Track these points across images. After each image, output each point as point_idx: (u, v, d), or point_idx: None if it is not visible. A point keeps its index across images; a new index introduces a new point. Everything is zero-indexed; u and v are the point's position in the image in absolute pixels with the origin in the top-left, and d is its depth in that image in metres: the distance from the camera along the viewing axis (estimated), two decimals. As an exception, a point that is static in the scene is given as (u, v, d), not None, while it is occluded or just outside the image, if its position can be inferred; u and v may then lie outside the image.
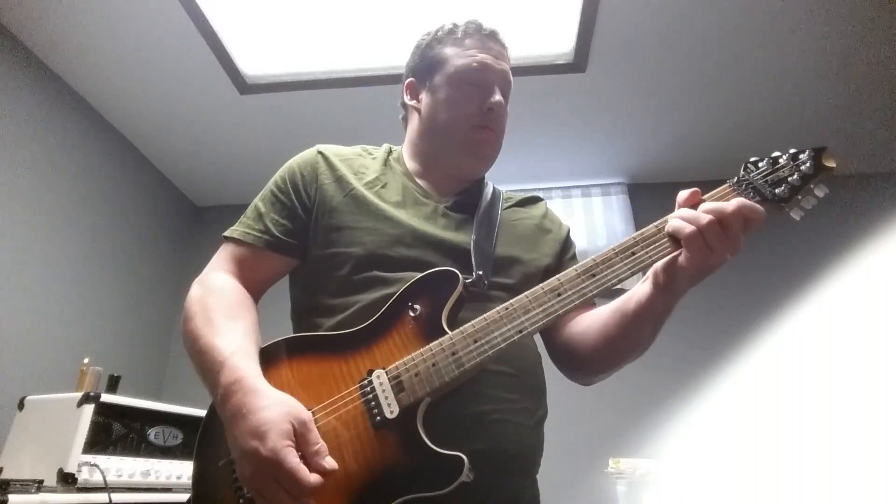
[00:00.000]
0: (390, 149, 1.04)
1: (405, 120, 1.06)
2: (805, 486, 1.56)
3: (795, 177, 0.73)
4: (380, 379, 0.71)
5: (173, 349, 2.86)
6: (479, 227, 0.90)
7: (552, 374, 0.92)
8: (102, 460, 1.44)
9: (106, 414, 1.52)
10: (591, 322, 0.87)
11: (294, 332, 0.89)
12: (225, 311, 0.79)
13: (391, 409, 0.69)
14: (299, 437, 0.63)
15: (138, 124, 2.58)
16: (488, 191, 1.00)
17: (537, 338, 0.91)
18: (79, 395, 1.50)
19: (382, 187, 0.93)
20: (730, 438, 2.06)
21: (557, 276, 0.74)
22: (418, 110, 1.00)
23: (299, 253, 0.90)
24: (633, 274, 0.72)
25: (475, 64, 0.94)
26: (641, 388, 2.35)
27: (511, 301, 0.73)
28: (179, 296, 2.88)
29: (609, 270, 0.72)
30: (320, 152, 0.96)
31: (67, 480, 1.38)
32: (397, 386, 0.70)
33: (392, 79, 2.15)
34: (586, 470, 2.20)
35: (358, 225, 0.86)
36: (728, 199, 0.71)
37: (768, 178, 0.75)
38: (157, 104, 2.44)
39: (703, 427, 2.24)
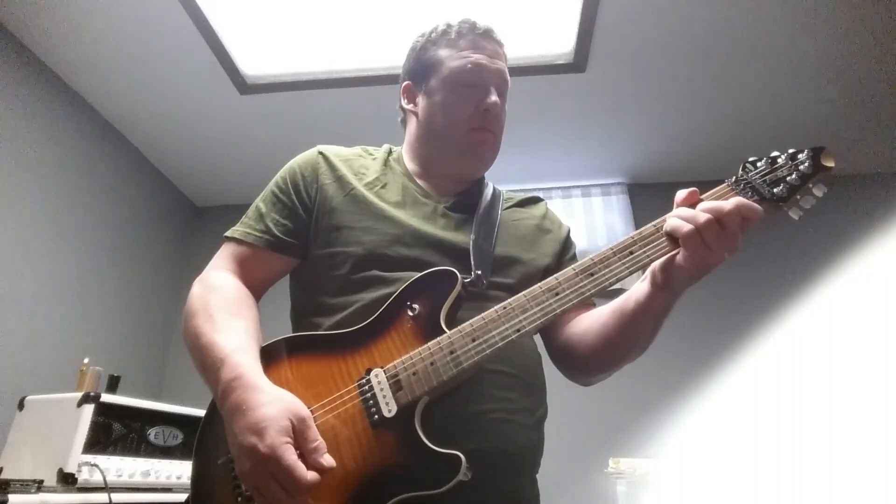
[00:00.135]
0: (390, 149, 1.04)
1: (403, 123, 1.06)
2: (805, 486, 1.56)
3: (794, 176, 0.73)
4: (378, 378, 0.71)
5: (173, 349, 2.86)
6: (479, 227, 0.90)
7: (552, 374, 0.92)
8: (102, 460, 1.44)
9: (106, 414, 1.52)
10: (591, 322, 0.87)
11: (294, 332, 0.89)
12: (226, 309, 0.80)
13: (389, 408, 0.69)
14: (298, 435, 0.64)
15: (138, 124, 2.58)
16: (488, 191, 1.00)
17: (537, 338, 0.92)
18: (79, 395, 1.50)
19: (382, 187, 0.93)
20: (730, 438, 2.06)
21: (555, 275, 0.74)
22: (415, 114, 1.00)
23: (300, 253, 0.90)
24: (631, 273, 0.72)
25: (469, 65, 0.93)
26: (641, 388, 2.35)
27: (509, 300, 0.73)
28: (180, 296, 2.89)
29: (607, 270, 0.72)
30: (321, 153, 0.96)
31: (67, 480, 1.38)
32: (395, 385, 0.70)
33: (392, 79, 2.13)
34: (586, 470, 2.21)
35: (358, 224, 0.86)
36: (726, 199, 0.71)
37: (767, 177, 0.74)
38: (158, 104, 2.44)
39: (703, 427, 2.24)
